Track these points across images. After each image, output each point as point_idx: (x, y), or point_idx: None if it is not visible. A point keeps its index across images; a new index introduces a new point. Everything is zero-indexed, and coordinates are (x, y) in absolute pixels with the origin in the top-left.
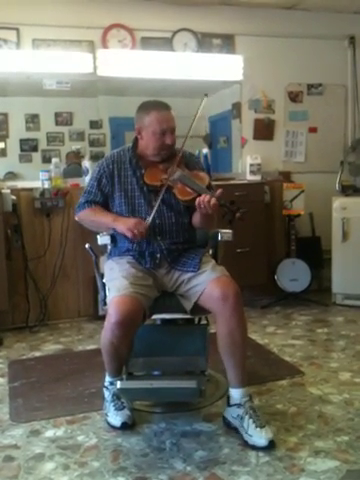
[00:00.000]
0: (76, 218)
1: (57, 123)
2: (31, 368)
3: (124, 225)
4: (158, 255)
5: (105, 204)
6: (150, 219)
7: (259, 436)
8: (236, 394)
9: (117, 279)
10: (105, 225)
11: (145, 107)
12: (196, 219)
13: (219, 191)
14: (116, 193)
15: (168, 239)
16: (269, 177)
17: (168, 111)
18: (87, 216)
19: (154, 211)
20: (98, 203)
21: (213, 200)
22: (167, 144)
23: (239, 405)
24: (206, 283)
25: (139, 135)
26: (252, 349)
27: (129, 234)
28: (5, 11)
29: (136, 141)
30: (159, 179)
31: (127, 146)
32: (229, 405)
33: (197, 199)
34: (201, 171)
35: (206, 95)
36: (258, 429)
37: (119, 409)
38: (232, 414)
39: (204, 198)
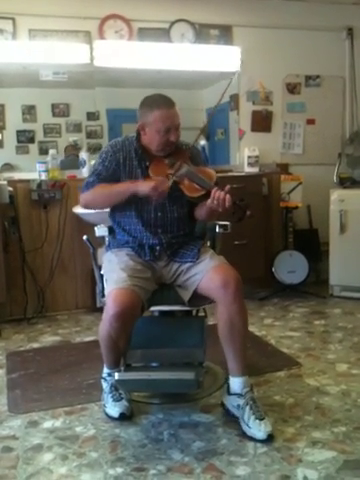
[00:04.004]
0: (82, 199)
1: (54, 114)
2: (29, 360)
3: (147, 185)
4: (158, 248)
5: None
6: (170, 183)
7: (258, 429)
8: (236, 383)
9: (115, 271)
10: (122, 192)
11: (149, 104)
12: (201, 212)
13: (227, 187)
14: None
15: (169, 233)
16: (267, 169)
17: (172, 108)
18: (99, 192)
19: (171, 180)
20: None
21: (228, 197)
22: (171, 141)
23: (239, 395)
24: (205, 271)
25: (142, 131)
26: (250, 341)
27: (154, 193)
28: (1, 0)
29: (139, 132)
30: (165, 174)
31: (130, 136)
32: (229, 394)
33: (212, 194)
34: (206, 166)
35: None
36: (257, 421)
37: (117, 400)
38: (232, 403)
39: (219, 195)
